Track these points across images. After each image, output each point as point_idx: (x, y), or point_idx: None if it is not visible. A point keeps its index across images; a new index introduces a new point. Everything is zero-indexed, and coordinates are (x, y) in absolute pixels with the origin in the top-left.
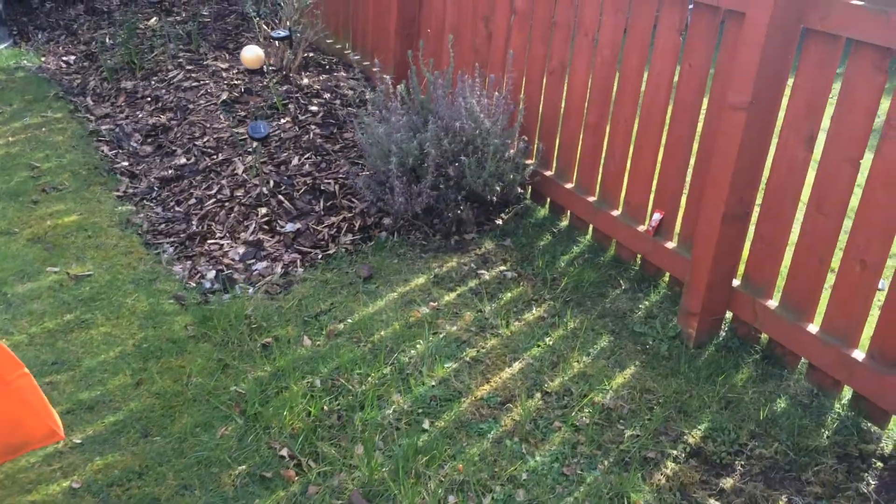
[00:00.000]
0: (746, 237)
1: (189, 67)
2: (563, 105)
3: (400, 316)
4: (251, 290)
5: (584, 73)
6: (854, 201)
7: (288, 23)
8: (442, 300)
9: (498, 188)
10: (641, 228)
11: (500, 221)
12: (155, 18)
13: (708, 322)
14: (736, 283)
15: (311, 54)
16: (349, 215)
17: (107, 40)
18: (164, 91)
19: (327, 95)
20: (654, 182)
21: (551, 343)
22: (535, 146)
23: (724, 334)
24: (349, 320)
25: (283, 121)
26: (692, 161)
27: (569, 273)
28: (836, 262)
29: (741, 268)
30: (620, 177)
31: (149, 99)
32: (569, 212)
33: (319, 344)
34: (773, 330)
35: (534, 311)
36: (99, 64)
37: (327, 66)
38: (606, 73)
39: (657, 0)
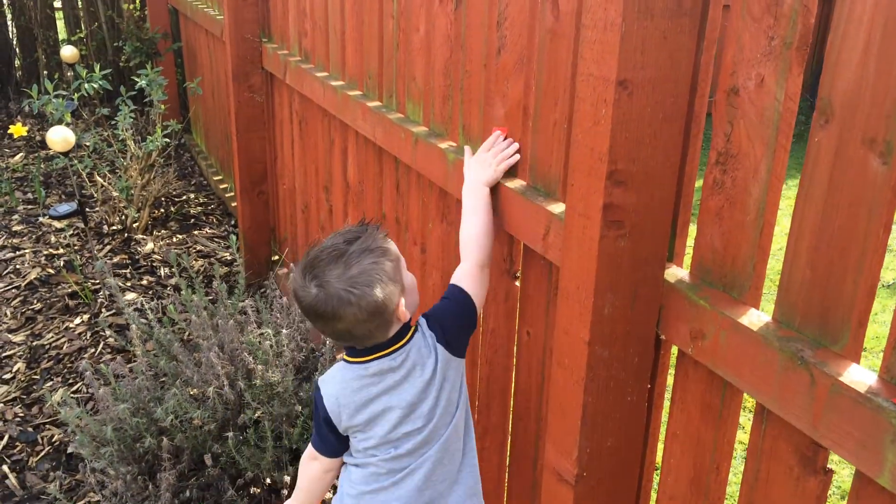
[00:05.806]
0: None
1: (17, 228)
2: None
3: None
4: None
5: None
6: None
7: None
8: None
9: None
10: None
11: None
12: (21, 154)
13: None
14: None
15: (191, 195)
16: (96, 499)
17: None
18: None
19: (164, 271)
20: None
21: None
22: None
23: None
24: None
25: (76, 322)
26: None
27: None
28: None
29: None
30: None
31: None
32: None
33: None
34: None
35: None
36: None
37: (197, 218)
38: None
39: None
